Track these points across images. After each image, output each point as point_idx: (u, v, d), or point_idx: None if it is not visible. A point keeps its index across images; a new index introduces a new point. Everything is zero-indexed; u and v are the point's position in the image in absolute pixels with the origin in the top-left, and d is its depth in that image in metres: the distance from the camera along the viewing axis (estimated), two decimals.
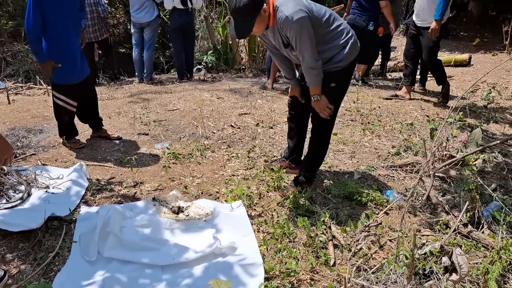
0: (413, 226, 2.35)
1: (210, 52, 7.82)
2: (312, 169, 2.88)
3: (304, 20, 2.31)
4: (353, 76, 5.76)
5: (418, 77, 5.64)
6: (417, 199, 2.75)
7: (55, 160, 3.21)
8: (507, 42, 7.25)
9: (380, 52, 6.40)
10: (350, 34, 2.55)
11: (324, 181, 3.00)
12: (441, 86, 4.97)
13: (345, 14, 5.89)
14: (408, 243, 2.16)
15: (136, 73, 6.23)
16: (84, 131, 3.75)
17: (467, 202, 2.15)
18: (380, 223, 2.48)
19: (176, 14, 5.82)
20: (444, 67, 5.41)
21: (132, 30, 6.06)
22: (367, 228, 2.39)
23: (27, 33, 3.05)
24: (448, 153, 3.08)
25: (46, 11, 3.00)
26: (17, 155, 3.20)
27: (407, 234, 2.32)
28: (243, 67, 7.49)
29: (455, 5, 9.94)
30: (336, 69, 2.54)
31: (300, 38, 2.33)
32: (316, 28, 2.39)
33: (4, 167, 2.62)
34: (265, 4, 2.32)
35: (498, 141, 2.93)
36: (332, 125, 2.76)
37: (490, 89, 3.63)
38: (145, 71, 6.08)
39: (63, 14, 3.08)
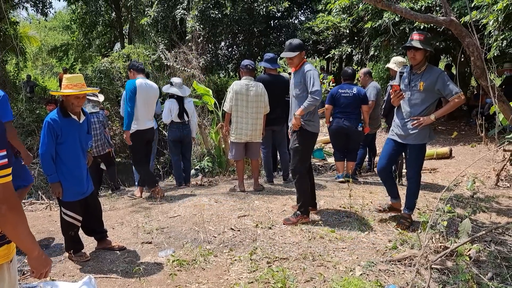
0: None
1: (206, 158, 8.19)
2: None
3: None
4: (343, 174, 6.08)
5: (404, 170, 5.97)
6: None
7: (63, 275, 3.27)
8: (483, 134, 7.80)
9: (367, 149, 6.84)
10: None
11: (328, 280, 3.08)
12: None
13: (326, 123, 6.13)
14: None
15: (136, 183, 6.45)
16: (88, 244, 3.84)
17: None
18: None
19: (173, 127, 6.25)
20: (428, 160, 5.75)
21: None
22: None
23: (41, 157, 3.33)
24: (442, 244, 3.22)
25: (59, 136, 3.32)
26: (25, 272, 3.26)
27: None
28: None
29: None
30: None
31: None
32: None
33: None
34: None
35: (484, 232, 3.11)
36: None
37: (474, 179, 3.91)
38: None
39: (73, 138, 3.41)
